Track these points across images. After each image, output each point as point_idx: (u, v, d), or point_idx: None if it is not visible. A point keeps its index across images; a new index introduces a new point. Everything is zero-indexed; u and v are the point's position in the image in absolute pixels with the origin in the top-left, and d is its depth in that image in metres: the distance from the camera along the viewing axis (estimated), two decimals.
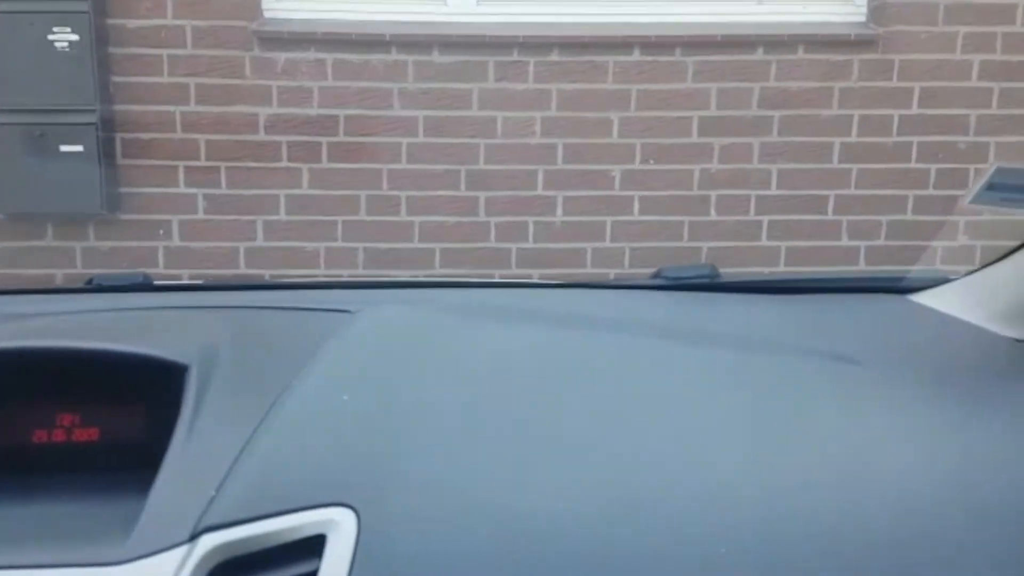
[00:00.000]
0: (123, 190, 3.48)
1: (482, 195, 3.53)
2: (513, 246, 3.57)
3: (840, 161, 3.59)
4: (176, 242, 3.52)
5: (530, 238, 3.57)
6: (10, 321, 1.05)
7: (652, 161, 3.55)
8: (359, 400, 0.90)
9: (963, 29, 3.51)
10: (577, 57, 3.50)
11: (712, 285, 1.27)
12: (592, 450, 0.84)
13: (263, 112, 3.45)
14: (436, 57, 3.47)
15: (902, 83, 3.55)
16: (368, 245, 3.54)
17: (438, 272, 3.53)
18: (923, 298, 1.21)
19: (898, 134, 3.57)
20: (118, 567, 0.73)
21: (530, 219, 3.55)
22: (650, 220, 3.58)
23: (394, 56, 3.46)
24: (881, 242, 3.63)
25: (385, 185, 3.51)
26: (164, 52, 3.41)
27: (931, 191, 3.60)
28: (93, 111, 3.34)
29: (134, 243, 3.51)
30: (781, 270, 3.62)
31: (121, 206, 3.49)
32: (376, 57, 3.45)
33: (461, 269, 3.54)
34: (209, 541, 0.74)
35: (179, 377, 0.91)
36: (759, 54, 3.53)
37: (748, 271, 3.62)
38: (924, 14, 3.50)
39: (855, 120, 3.57)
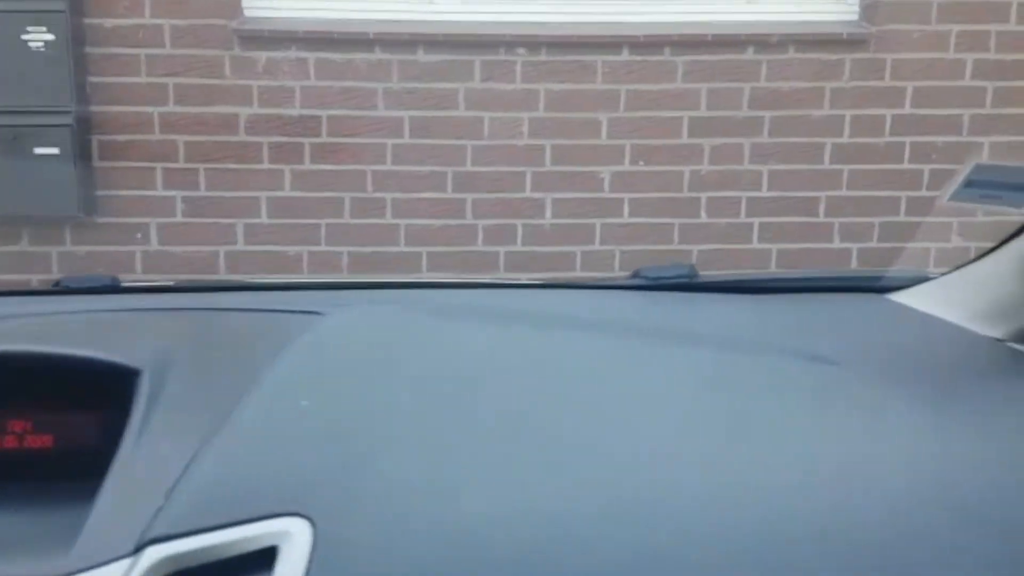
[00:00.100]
0: (100, 193, 3.46)
1: (469, 197, 3.52)
2: (501, 249, 3.55)
3: (832, 162, 3.60)
4: (154, 246, 3.49)
5: (518, 241, 3.56)
6: None
7: (642, 162, 3.55)
8: (320, 405, 0.88)
9: (956, 28, 3.51)
10: (565, 57, 3.49)
11: (691, 285, 1.27)
12: (566, 455, 0.82)
13: (244, 112, 3.43)
14: (421, 56, 3.45)
15: (894, 83, 3.56)
16: (352, 249, 3.52)
17: (424, 276, 3.50)
18: (902, 297, 1.21)
19: (890, 134, 3.58)
20: None
21: (518, 222, 3.55)
22: (640, 222, 3.58)
23: (378, 55, 3.44)
24: (874, 244, 3.64)
25: (370, 187, 3.50)
26: (142, 52, 3.40)
27: (924, 192, 3.61)
28: (69, 112, 3.32)
29: (111, 247, 3.48)
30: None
31: (98, 209, 3.47)
32: (359, 56, 3.44)
33: (448, 273, 3.51)
34: (154, 553, 0.71)
35: (134, 382, 0.90)
36: (749, 54, 3.53)
37: (739, 274, 3.60)
38: (917, 13, 3.51)
39: (847, 120, 3.57)
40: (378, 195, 3.49)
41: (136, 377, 0.90)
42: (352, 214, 3.49)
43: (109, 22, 3.36)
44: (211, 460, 0.79)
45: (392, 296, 1.23)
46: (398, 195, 3.49)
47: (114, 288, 1.24)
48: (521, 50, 3.47)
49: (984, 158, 3.53)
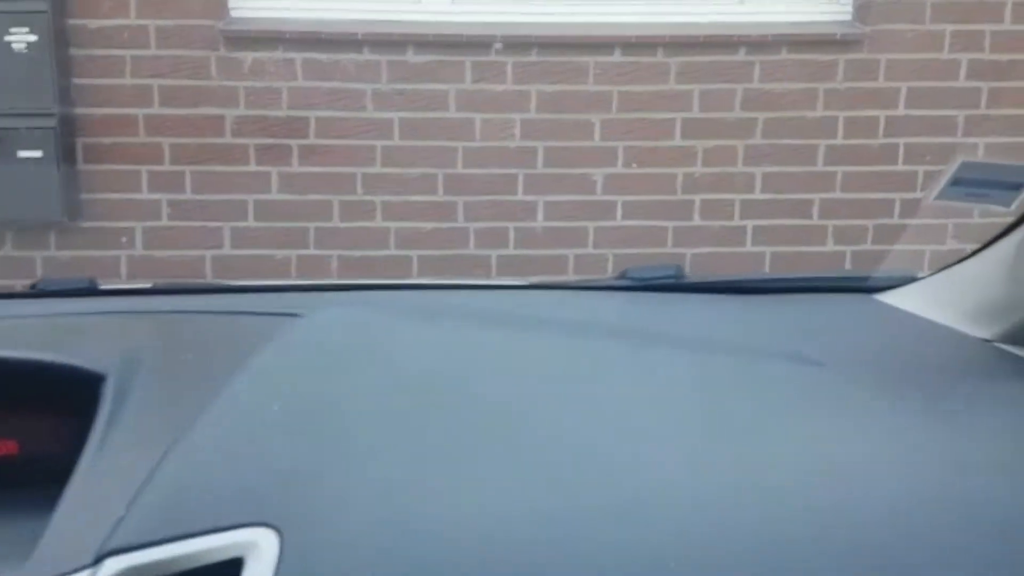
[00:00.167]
0: (84, 196, 3.42)
1: (460, 200, 3.49)
2: (493, 253, 3.52)
3: (825, 164, 3.59)
4: (140, 250, 3.45)
5: (511, 244, 3.53)
6: None
7: (635, 164, 3.53)
8: (291, 410, 0.86)
9: (950, 28, 3.50)
10: (557, 58, 3.47)
11: (677, 286, 1.27)
12: (548, 457, 0.81)
13: (230, 114, 3.39)
14: (411, 57, 3.43)
15: (888, 83, 3.54)
16: (342, 252, 3.48)
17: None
18: (889, 297, 1.21)
19: (884, 135, 3.57)
20: None
21: (510, 225, 3.52)
22: (633, 225, 3.55)
23: (366, 56, 3.42)
24: (868, 246, 3.62)
25: (359, 189, 3.46)
26: (127, 53, 3.36)
27: (918, 194, 3.60)
28: (52, 115, 3.28)
29: (96, 252, 3.44)
30: None
31: (83, 213, 3.43)
32: (347, 57, 3.41)
33: (439, 277, 3.46)
34: (114, 565, 0.69)
35: (99, 387, 0.88)
36: (742, 55, 3.52)
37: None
38: (910, 12, 3.50)
39: (840, 122, 3.56)
40: (367, 198, 3.46)
41: (101, 382, 0.88)
42: (341, 217, 3.46)
43: (93, 23, 3.32)
44: (175, 467, 0.77)
45: (371, 298, 1.22)
46: (388, 198, 3.46)
47: (90, 291, 1.21)
48: (512, 51, 3.44)
49: (978, 159, 3.52)
